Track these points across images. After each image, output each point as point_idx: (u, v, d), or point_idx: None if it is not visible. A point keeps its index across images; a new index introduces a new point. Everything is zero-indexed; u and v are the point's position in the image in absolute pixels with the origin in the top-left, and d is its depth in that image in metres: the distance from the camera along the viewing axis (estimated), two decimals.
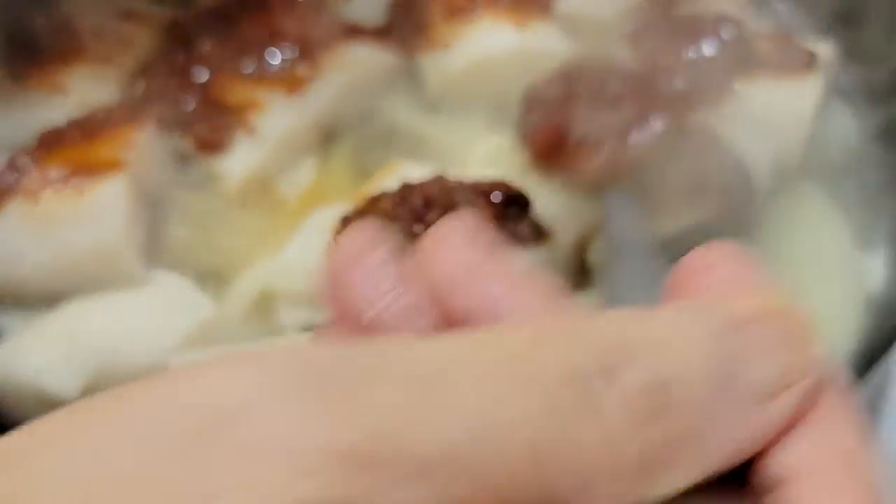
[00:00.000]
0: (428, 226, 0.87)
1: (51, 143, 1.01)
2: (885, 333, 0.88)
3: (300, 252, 0.93)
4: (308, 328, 0.89)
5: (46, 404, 0.85)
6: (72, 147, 1.01)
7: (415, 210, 0.90)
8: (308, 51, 1.08)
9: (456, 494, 0.25)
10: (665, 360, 0.28)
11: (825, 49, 1.06)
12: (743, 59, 1.01)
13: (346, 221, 0.91)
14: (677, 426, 0.28)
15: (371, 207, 0.91)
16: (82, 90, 1.10)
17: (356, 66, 1.08)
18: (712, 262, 0.35)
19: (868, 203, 1.03)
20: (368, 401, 0.25)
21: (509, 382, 0.26)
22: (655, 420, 0.27)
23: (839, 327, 0.93)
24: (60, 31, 1.14)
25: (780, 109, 0.99)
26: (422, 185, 0.92)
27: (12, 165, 0.99)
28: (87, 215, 0.95)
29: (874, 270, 1.00)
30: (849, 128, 1.08)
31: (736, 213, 0.91)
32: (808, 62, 1.01)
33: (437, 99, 1.09)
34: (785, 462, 0.30)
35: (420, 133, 1.08)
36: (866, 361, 0.79)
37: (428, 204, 0.90)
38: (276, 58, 1.07)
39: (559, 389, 0.26)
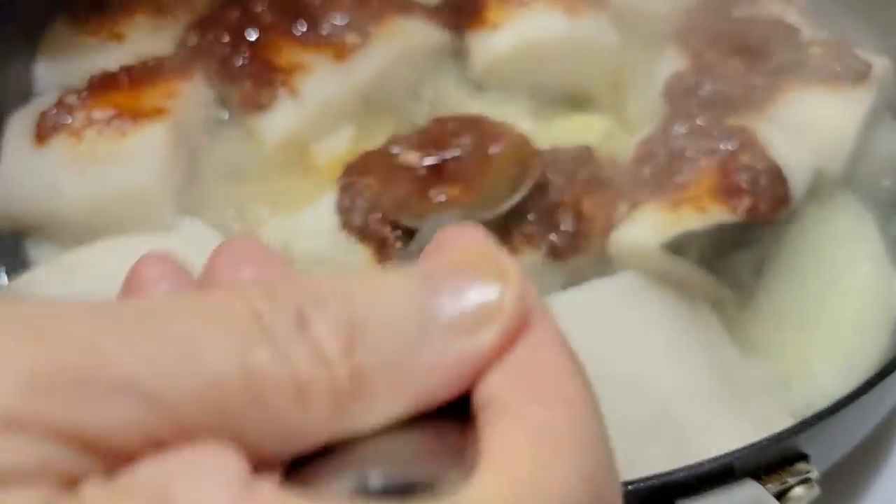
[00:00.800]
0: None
1: (100, 86, 1.03)
2: None
3: (317, 216, 0.94)
4: None
5: None
6: (119, 91, 1.03)
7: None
8: (360, 20, 1.08)
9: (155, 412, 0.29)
10: (356, 306, 0.32)
11: (881, 63, 1.03)
12: (795, 66, 1.00)
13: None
14: (375, 359, 0.32)
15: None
16: (137, 40, 1.12)
17: (405, 39, 1.09)
18: (454, 236, 0.38)
19: None
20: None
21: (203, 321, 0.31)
22: (350, 354, 0.31)
23: (863, 340, 0.91)
24: None
25: (827, 119, 0.97)
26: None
27: (61, 103, 1.02)
28: (125, 157, 0.97)
29: None
30: None
31: (768, 216, 0.89)
32: (861, 74, 0.99)
33: (482, 78, 1.09)
34: (485, 390, 0.33)
35: (461, 110, 1.08)
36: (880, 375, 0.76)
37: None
38: (327, 23, 1.08)
39: (249, 331, 0.31)
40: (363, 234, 0.88)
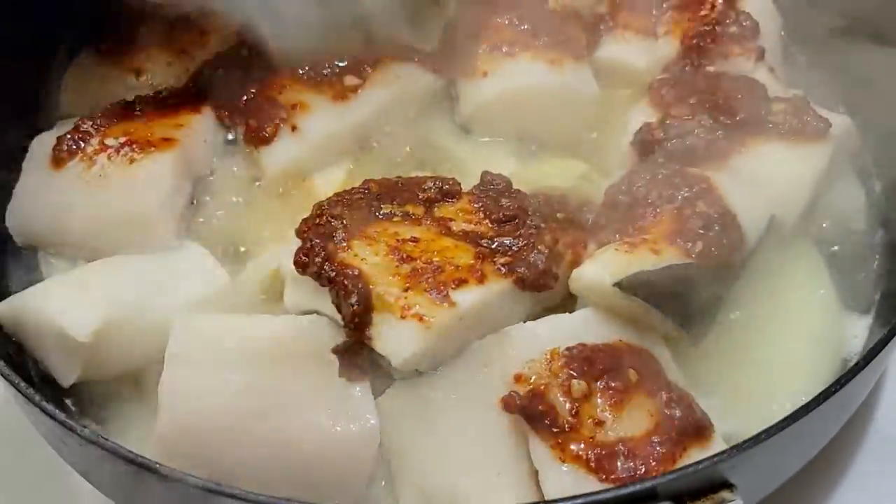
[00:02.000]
0: None
1: (115, 115, 1.12)
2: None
3: None
4: (308, 311, 0.96)
5: (62, 342, 0.96)
6: (132, 121, 1.12)
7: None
8: (359, 64, 1.17)
9: None
10: None
11: (841, 120, 1.10)
12: (758, 121, 1.06)
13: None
14: None
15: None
16: (154, 73, 1.21)
17: (400, 83, 1.17)
18: None
19: (861, 270, 1.07)
20: None
21: None
22: None
23: (810, 382, 0.97)
24: (148, 18, 1.26)
25: (785, 172, 1.04)
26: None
27: (77, 130, 1.11)
28: (133, 183, 1.05)
29: (858, 334, 1.03)
30: (855, 196, 1.12)
31: (719, 260, 0.95)
32: (820, 131, 1.05)
33: (469, 122, 1.17)
34: None
35: (449, 151, 1.17)
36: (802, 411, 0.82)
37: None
38: (328, 66, 1.16)
39: None
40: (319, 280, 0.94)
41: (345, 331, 0.90)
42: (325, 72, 1.16)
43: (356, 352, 0.90)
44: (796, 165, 1.04)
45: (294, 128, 1.13)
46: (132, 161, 1.07)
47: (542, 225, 1.00)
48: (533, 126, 1.17)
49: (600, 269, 0.93)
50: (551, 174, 1.13)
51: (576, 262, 0.98)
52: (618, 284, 0.91)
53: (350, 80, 1.16)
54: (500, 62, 1.16)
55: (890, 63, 1.14)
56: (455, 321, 0.90)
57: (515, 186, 1.04)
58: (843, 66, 1.21)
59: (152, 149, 1.08)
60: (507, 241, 0.97)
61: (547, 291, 0.97)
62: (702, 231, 0.95)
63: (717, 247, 0.95)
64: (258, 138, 1.13)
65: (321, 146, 1.14)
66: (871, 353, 0.84)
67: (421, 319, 0.88)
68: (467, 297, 0.91)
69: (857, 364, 0.83)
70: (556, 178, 1.12)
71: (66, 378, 0.98)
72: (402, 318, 0.89)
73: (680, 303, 0.94)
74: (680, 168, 1.02)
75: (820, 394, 0.81)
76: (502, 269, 0.94)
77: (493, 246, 0.97)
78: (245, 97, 1.16)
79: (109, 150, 1.08)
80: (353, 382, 0.90)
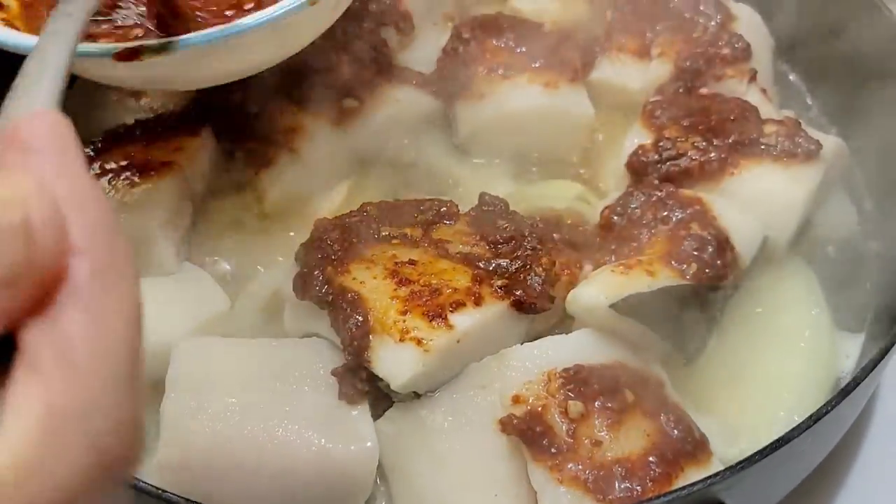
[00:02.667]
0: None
1: (115, 139, 1.14)
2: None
3: None
4: (308, 334, 0.98)
5: None
6: (133, 144, 1.13)
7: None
8: (357, 87, 1.18)
9: None
10: None
11: (832, 141, 1.11)
12: (750, 142, 1.08)
13: None
14: None
15: None
16: (154, 96, 1.22)
17: (397, 106, 1.18)
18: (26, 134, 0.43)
19: (854, 289, 1.08)
20: None
21: None
22: None
23: (804, 400, 0.98)
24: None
25: (777, 193, 1.05)
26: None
27: None
28: (133, 207, 1.06)
29: (851, 353, 1.04)
30: (847, 215, 1.14)
31: (713, 281, 0.96)
32: (811, 153, 1.06)
33: (466, 143, 1.18)
34: (26, 337, 0.40)
35: (447, 172, 1.18)
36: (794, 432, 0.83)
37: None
38: (327, 89, 1.18)
39: None
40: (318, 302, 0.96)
41: (344, 353, 0.92)
42: (323, 96, 1.18)
43: (355, 374, 0.91)
44: (788, 186, 1.06)
45: (293, 151, 1.14)
46: (133, 185, 1.08)
47: (539, 247, 1.01)
48: (529, 147, 1.18)
49: (596, 291, 0.94)
50: (547, 195, 1.14)
51: (572, 284, 1.00)
52: (613, 306, 0.92)
53: (349, 103, 1.17)
54: (496, 85, 1.18)
55: (880, 82, 1.16)
56: (453, 344, 0.91)
57: (512, 207, 1.06)
58: (834, 85, 1.23)
59: (152, 173, 1.09)
60: (504, 263, 0.98)
61: (544, 313, 0.98)
62: (696, 252, 0.97)
63: (710, 268, 0.96)
64: (258, 161, 1.14)
65: (320, 169, 1.15)
66: (862, 374, 0.85)
67: (419, 343, 0.90)
68: (465, 319, 0.92)
69: (847, 385, 0.84)
70: (552, 199, 1.13)
71: None
72: (401, 341, 0.90)
73: (675, 323, 0.96)
74: (674, 190, 1.03)
75: (811, 415, 0.82)
76: (499, 291, 0.95)
77: (491, 268, 0.98)
78: (244, 120, 1.17)
79: (110, 175, 1.09)
80: (353, 404, 0.91)
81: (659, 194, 1.03)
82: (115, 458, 0.39)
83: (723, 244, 0.99)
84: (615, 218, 1.03)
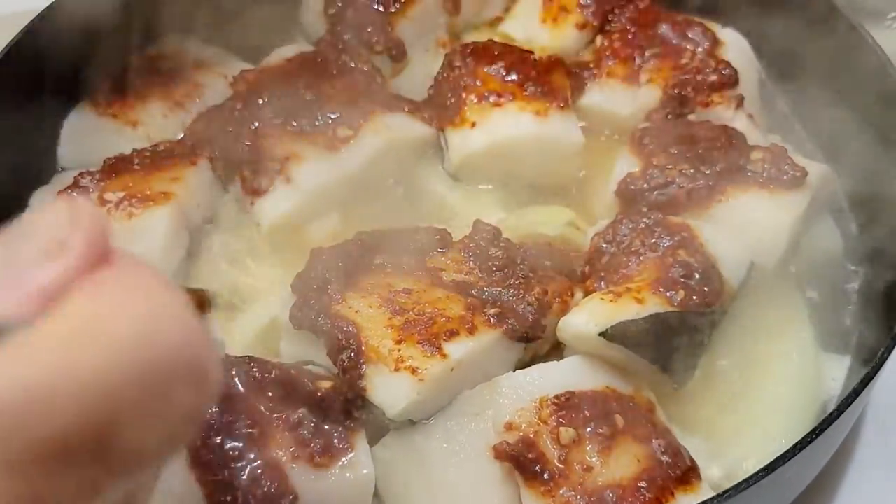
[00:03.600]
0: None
1: (113, 169, 1.15)
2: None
3: None
4: (306, 362, 0.99)
5: None
6: (130, 174, 1.15)
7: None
8: (351, 115, 1.20)
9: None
10: None
11: (819, 168, 1.14)
12: (737, 170, 1.10)
13: None
14: None
15: None
16: (151, 125, 1.24)
17: (391, 133, 1.20)
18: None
19: (840, 313, 1.10)
20: None
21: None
22: None
23: (790, 423, 1.00)
24: (146, 71, 1.29)
25: (764, 220, 1.07)
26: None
27: (76, 184, 1.14)
28: (131, 236, 1.08)
29: (837, 376, 1.06)
30: (832, 240, 1.16)
31: (701, 307, 0.98)
32: (797, 180, 1.08)
33: (458, 170, 1.20)
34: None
35: (439, 199, 1.20)
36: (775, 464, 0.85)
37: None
38: (322, 118, 1.19)
39: None
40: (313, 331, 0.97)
41: (339, 382, 0.93)
42: (317, 123, 1.20)
43: (351, 402, 0.93)
44: (775, 213, 1.08)
45: (288, 179, 1.16)
46: (131, 216, 1.10)
47: (531, 275, 1.03)
48: (520, 174, 1.20)
49: (585, 319, 0.96)
50: (538, 221, 1.16)
51: (563, 311, 1.02)
52: (602, 334, 0.94)
53: (342, 132, 1.19)
54: (487, 113, 1.19)
55: (865, 108, 1.18)
56: (447, 372, 0.93)
57: (504, 234, 1.08)
58: (820, 111, 1.25)
59: (150, 203, 1.11)
60: (497, 292, 1.00)
61: (534, 341, 1.00)
62: (683, 279, 0.99)
63: (698, 295, 0.98)
64: (253, 189, 1.16)
65: (315, 196, 1.17)
66: (846, 402, 0.87)
67: (414, 372, 0.91)
68: (458, 348, 0.94)
69: (832, 413, 0.86)
70: (543, 226, 1.15)
71: None
72: (396, 370, 0.92)
73: (664, 350, 0.97)
74: (662, 217, 1.05)
75: (797, 443, 0.84)
76: (492, 319, 0.97)
77: (484, 296, 1.00)
78: (240, 149, 1.19)
79: (109, 205, 1.10)
80: (349, 432, 0.93)
81: (647, 222, 1.05)
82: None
83: (710, 271, 1.01)
84: (604, 245, 1.05)
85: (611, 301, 0.97)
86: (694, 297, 0.98)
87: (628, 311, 0.96)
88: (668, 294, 0.97)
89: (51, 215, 0.46)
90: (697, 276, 0.99)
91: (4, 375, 0.37)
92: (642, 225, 1.04)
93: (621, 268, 1.03)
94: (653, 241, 1.02)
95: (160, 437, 0.39)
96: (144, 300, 0.42)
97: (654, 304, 0.97)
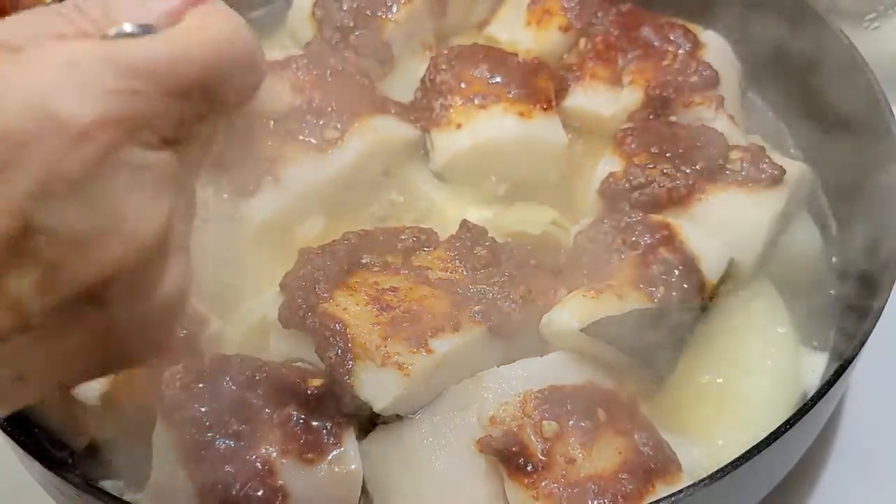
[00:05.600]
0: None
1: None
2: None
3: None
4: (295, 360, 1.01)
5: (70, 408, 1.00)
6: None
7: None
8: (339, 117, 1.22)
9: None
10: None
11: (797, 167, 1.16)
12: (717, 169, 1.12)
13: None
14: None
15: None
16: None
17: (377, 134, 1.22)
18: None
19: (818, 308, 1.12)
20: None
21: None
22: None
23: (770, 417, 1.02)
24: None
25: (742, 217, 1.10)
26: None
27: None
28: None
29: (816, 368, 1.09)
30: (811, 238, 1.18)
31: (681, 304, 1.01)
32: (775, 178, 1.11)
33: (444, 171, 1.22)
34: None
35: (425, 199, 1.22)
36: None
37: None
38: (309, 119, 1.21)
39: None
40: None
41: (327, 378, 0.95)
42: (305, 125, 1.22)
43: (339, 398, 0.95)
44: (753, 211, 1.10)
45: (276, 180, 1.18)
46: None
47: (515, 272, 1.05)
48: (505, 174, 1.22)
49: (567, 315, 0.98)
50: (523, 221, 1.18)
51: (547, 308, 1.03)
52: (584, 330, 0.96)
53: (330, 133, 1.21)
54: (472, 114, 1.22)
55: (843, 109, 1.20)
56: (432, 368, 0.95)
57: (489, 233, 1.10)
58: (800, 111, 1.28)
59: None
60: (482, 289, 1.03)
61: (518, 337, 1.02)
62: (664, 276, 1.01)
63: (678, 291, 1.01)
64: (241, 190, 1.18)
65: (303, 197, 1.19)
66: (821, 392, 0.89)
67: (400, 367, 0.94)
68: (444, 344, 0.96)
69: (805, 405, 0.89)
70: (527, 225, 1.17)
71: (79, 443, 1.02)
72: (383, 365, 0.94)
73: (644, 345, 1.00)
74: (642, 216, 1.08)
75: (772, 433, 0.87)
76: (477, 316, 0.99)
77: (469, 294, 1.02)
78: (228, 150, 1.20)
79: None
80: (337, 427, 0.94)
81: (628, 220, 1.07)
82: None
83: (689, 267, 1.03)
84: (587, 244, 1.07)
85: (592, 297, 0.99)
86: (674, 293, 1.00)
87: (609, 307, 0.98)
88: (648, 290, 1.00)
89: None
90: (677, 272, 1.02)
91: (173, 42, 0.58)
92: (623, 223, 1.06)
93: (603, 266, 1.05)
94: (633, 238, 1.05)
95: (236, 96, 0.65)
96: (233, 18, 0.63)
97: (634, 301, 0.99)
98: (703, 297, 1.04)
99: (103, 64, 0.55)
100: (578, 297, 1.00)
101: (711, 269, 1.05)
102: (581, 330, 0.96)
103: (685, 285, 1.01)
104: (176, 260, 0.62)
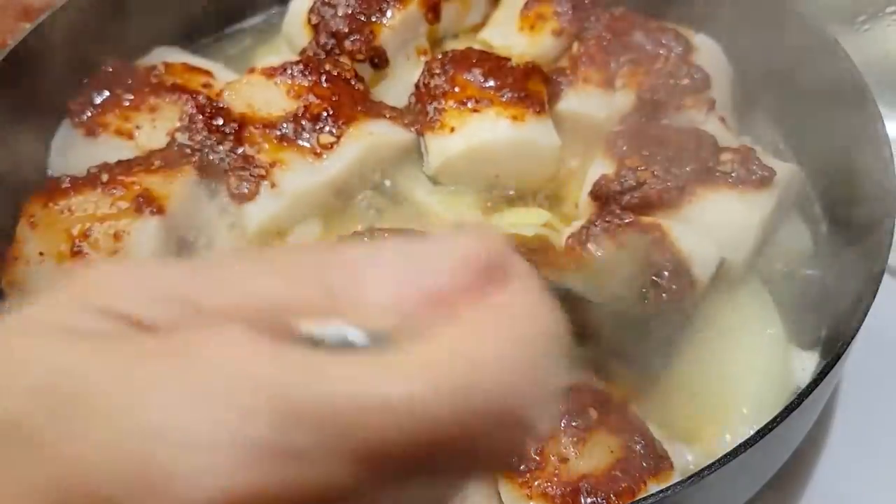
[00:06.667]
0: None
1: (98, 178, 1.17)
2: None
3: None
4: None
5: None
6: (116, 183, 1.17)
7: None
8: (334, 121, 1.23)
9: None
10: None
11: (788, 167, 1.17)
12: (707, 170, 1.13)
13: None
14: None
15: None
16: (139, 134, 1.27)
17: (373, 138, 1.24)
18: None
19: (808, 307, 1.13)
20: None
21: None
22: None
23: (761, 416, 1.02)
24: (134, 83, 1.32)
25: (732, 218, 1.11)
26: None
27: None
28: (119, 249, 1.11)
29: (806, 367, 1.10)
30: (801, 238, 1.19)
31: (671, 304, 1.02)
32: (765, 180, 1.12)
33: (437, 175, 1.24)
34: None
35: (419, 202, 1.24)
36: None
37: None
38: (305, 124, 1.23)
39: None
40: None
41: None
42: (301, 129, 1.23)
43: None
44: (743, 212, 1.11)
45: (273, 185, 1.19)
46: (117, 223, 1.12)
47: None
48: (498, 178, 1.24)
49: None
50: (516, 223, 1.19)
51: None
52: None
53: (325, 138, 1.22)
54: (465, 118, 1.23)
55: (834, 112, 1.21)
56: None
57: None
58: (791, 113, 1.29)
59: (136, 211, 1.13)
60: None
61: None
62: (654, 277, 1.02)
63: (668, 291, 1.02)
64: (239, 196, 1.19)
65: (299, 202, 1.20)
66: (809, 389, 0.90)
67: None
68: None
69: (791, 403, 0.90)
70: (521, 227, 1.18)
71: None
72: None
73: (636, 345, 1.01)
74: (633, 218, 1.09)
75: (759, 430, 0.88)
76: None
77: None
78: (225, 156, 1.22)
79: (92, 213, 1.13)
80: None
81: (619, 222, 1.08)
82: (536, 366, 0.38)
83: (680, 268, 1.04)
84: (579, 245, 1.08)
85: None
86: (664, 294, 1.01)
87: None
88: (637, 292, 1.01)
89: (461, 238, 0.42)
90: (667, 273, 1.03)
91: (383, 382, 0.35)
92: (614, 225, 1.08)
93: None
94: (619, 241, 1.06)
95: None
96: (528, 327, 0.38)
97: (624, 302, 1.00)
98: (694, 297, 1.06)
99: (270, 400, 0.34)
100: None
101: (702, 269, 1.06)
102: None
103: (674, 286, 1.02)
104: None
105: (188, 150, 1.22)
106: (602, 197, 1.13)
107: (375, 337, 0.38)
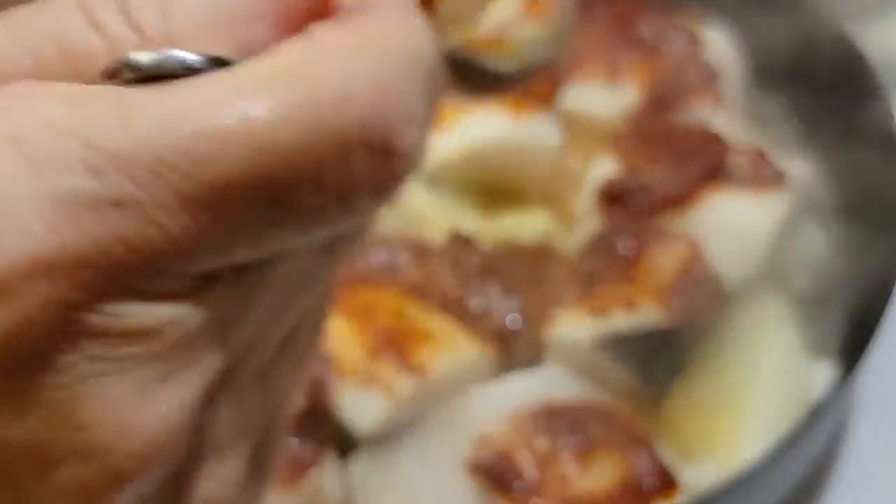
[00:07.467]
0: None
1: None
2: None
3: None
4: None
5: None
6: None
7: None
8: None
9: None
10: None
11: (800, 167, 1.12)
12: (716, 170, 1.08)
13: None
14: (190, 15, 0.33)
15: None
16: None
17: None
18: None
19: (825, 317, 1.08)
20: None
21: None
22: (164, 17, 0.32)
23: (777, 432, 0.98)
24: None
25: (745, 222, 1.06)
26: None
27: None
28: None
29: (822, 380, 1.04)
30: (817, 243, 1.14)
31: (700, 317, 0.97)
32: (777, 181, 1.07)
33: (433, 177, 1.19)
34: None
35: (414, 207, 1.18)
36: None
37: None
38: None
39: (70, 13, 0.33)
40: None
41: (307, 398, 0.92)
42: None
43: (320, 420, 0.91)
44: (755, 215, 1.06)
45: None
46: None
47: (510, 284, 1.01)
48: (496, 179, 1.18)
49: (572, 329, 0.95)
50: (517, 228, 1.14)
51: (542, 321, 1.00)
52: (591, 343, 0.93)
53: None
54: (463, 116, 1.18)
55: (850, 110, 1.16)
56: (420, 387, 0.92)
57: (481, 241, 1.06)
58: (804, 111, 1.24)
59: None
60: (473, 303, 0.99)
61: (513, 352, 0.99)
62: (676, 289, 0.97)
63: (690, 304, 0.97)
64: None
65: None
66: (825, 402, 0.86)
67: (386, 388, 0.90)
68: (432, 361, 0.93)
69: (808, 416, 0.86)
70: (521, 232, 1.13)
71: None
72: (367, 385, 0.91)
73: (649, 358, 0.96)
74: (644, 222, 1.04)
75: (775, 444, 0.84)
76: (468, 331, 0.96)
77: (459, 308, 0.99)
78: None
79: None
80: (318, 449, 0.91)
81: (628, 225, 1.03)
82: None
83: (703, 279, 0.99)
84: (588, 252, 1.04)
85: (597, 310, 0.95)
86: (686, 307, 0.97)
87: (615, 320, 0.95)
88: (659, 303, 0.96)
89: None
90: (691, 285, 0.98)
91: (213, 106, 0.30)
92: (628, 231, 1.03)
93: (607, 276, 1.01)
94: (639, 248, 1.01)
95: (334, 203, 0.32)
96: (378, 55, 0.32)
97: (646, 312, 0.96)
98: (715, 308, 1.01)
99: (76, 145, 0.29)
100: (582, 310, 0.96)
101: (731, 283, 1.02)
102: (586, 343, 0.93)
103: (695, 299, 0.98)
104: (220, 468, 0.35)
105: None
106: (609, 197, 1.08)
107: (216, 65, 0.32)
